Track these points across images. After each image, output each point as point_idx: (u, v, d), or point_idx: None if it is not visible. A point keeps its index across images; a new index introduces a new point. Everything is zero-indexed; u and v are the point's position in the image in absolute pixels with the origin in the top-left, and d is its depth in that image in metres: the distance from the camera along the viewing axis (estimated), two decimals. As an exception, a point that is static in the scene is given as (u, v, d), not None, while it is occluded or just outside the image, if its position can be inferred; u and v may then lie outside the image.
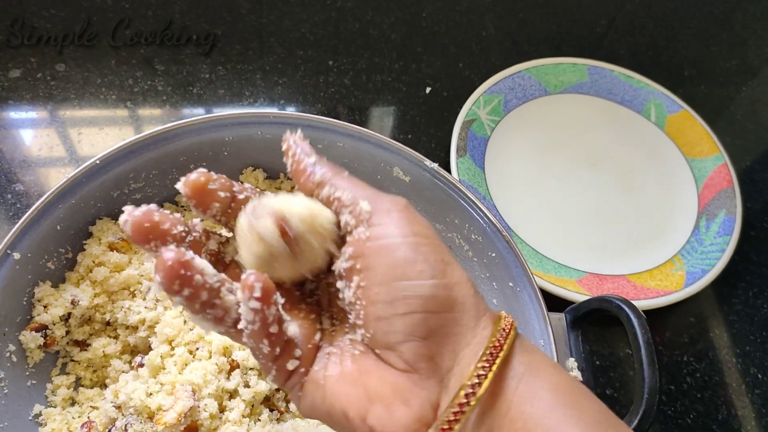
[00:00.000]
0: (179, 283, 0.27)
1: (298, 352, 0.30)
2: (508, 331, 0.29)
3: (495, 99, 0.74)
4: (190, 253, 0.28)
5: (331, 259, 0.32)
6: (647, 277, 0.65)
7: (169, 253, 0.27)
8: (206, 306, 0.28)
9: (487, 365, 0.28)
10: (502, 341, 0.29)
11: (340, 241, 0.31)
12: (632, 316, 0.45)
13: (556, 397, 0.28)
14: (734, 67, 0.90)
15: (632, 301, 0.60)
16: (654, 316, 0.63)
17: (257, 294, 0.27)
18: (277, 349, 0.29)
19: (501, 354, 0.28)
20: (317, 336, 0.32)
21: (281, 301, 0.28)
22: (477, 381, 0.27)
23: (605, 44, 0.89)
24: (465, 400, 0.27)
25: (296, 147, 0.33)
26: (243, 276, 0.27)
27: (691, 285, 0.63)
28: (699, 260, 0.65)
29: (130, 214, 0.30)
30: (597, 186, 0.73)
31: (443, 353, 0.29)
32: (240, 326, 0.28)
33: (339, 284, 0.31)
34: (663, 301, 0.62)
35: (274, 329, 0.28)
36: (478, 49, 0.84)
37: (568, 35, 0.88)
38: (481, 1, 0.90)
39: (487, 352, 0.28)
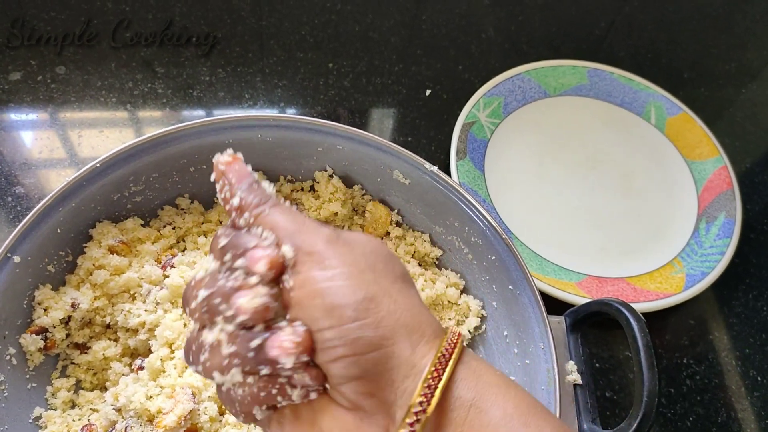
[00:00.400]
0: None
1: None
2: (448, 356, 0.28)
3: (495, 101, 0.74)
4: None
5: None
6: (647, 279, 0.65)
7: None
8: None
9: (425, 399, 0.27)
10: (441, 370, 0.27)
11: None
12: (632, 319, 0.45)
13: (509, 422, 0.27)
14: (734, 69, 0.91)
15: (632, 304, 0.60)
16: (654, 318, 0.63)
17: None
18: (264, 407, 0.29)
19: (440, 384, 0.27)
20: None
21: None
22: (416, 418, 0.26)
23: (605, 46, 0.89)
24: None
25: (230, 174, 0.31)
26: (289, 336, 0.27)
27: (691, 288, 0.63)
28: (699, 263, 0.65)
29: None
30: (597, 188, 0.73)
31: (383, 388, 0.28)
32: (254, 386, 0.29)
33: None
34: (663, 304, 0.62)
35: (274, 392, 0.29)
36: (478, 52, 0.84)
37: (568, 38, 0.89)
38: (481, 4, 0.90)
39: (425, 385, 0.27)
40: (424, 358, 0.28)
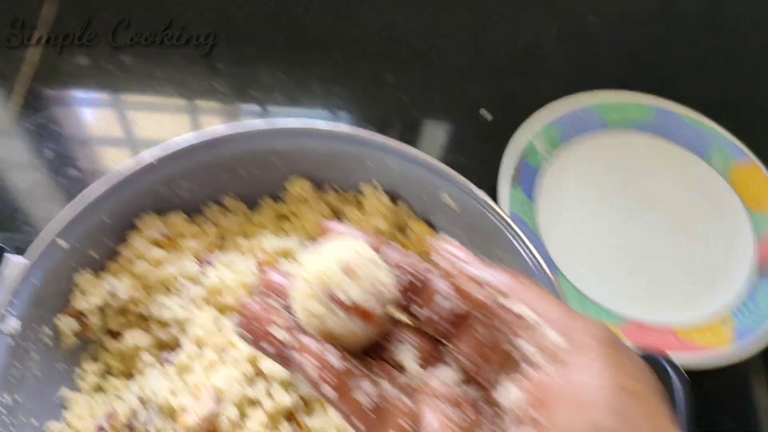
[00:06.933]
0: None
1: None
2: None
3: (552, 129, 0.72)
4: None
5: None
6: (694, 332, 0.62)
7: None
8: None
9: None
10: None
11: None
12: (676, 379, 0.42)
13: None
14: (808, 118, 0.86)
15: (675, 353, 0.58)
16: (694, 373, 0.60)
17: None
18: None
19: None
20: None
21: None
22: None
23: (673, 83, 0.86)
24: None
25: (450, 256, 0.27)
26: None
27: (741, 346, 0.60)
28: (751, 321, 0.62)
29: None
30: (650, 229, 0.70)
31: None
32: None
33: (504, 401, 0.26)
34: (708, 360, 0.59)
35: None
36: (540, 79, 0.83)
37: (634, 72, 0.86)
38: (547, 34, 0.88)
39: None
40: None
